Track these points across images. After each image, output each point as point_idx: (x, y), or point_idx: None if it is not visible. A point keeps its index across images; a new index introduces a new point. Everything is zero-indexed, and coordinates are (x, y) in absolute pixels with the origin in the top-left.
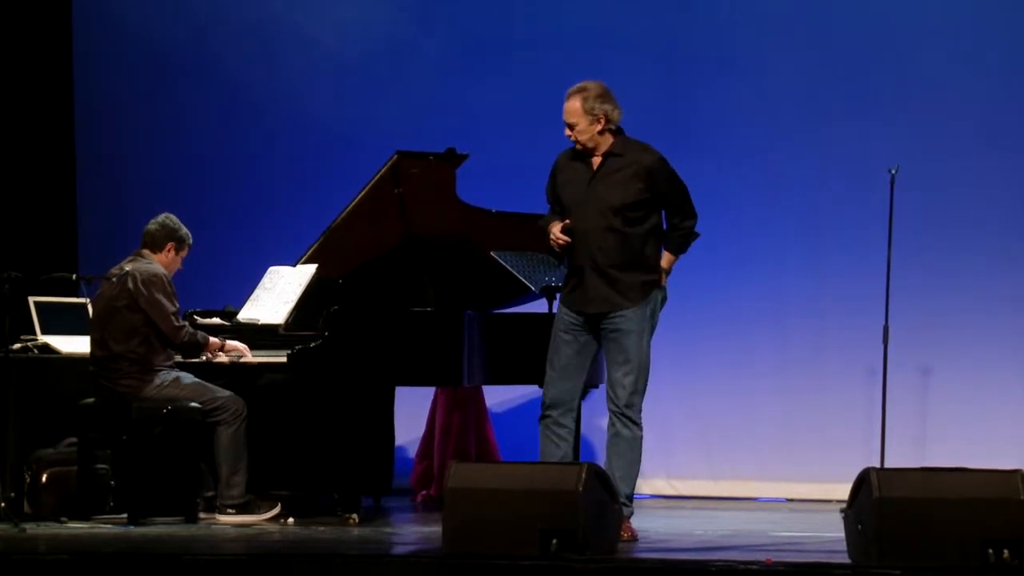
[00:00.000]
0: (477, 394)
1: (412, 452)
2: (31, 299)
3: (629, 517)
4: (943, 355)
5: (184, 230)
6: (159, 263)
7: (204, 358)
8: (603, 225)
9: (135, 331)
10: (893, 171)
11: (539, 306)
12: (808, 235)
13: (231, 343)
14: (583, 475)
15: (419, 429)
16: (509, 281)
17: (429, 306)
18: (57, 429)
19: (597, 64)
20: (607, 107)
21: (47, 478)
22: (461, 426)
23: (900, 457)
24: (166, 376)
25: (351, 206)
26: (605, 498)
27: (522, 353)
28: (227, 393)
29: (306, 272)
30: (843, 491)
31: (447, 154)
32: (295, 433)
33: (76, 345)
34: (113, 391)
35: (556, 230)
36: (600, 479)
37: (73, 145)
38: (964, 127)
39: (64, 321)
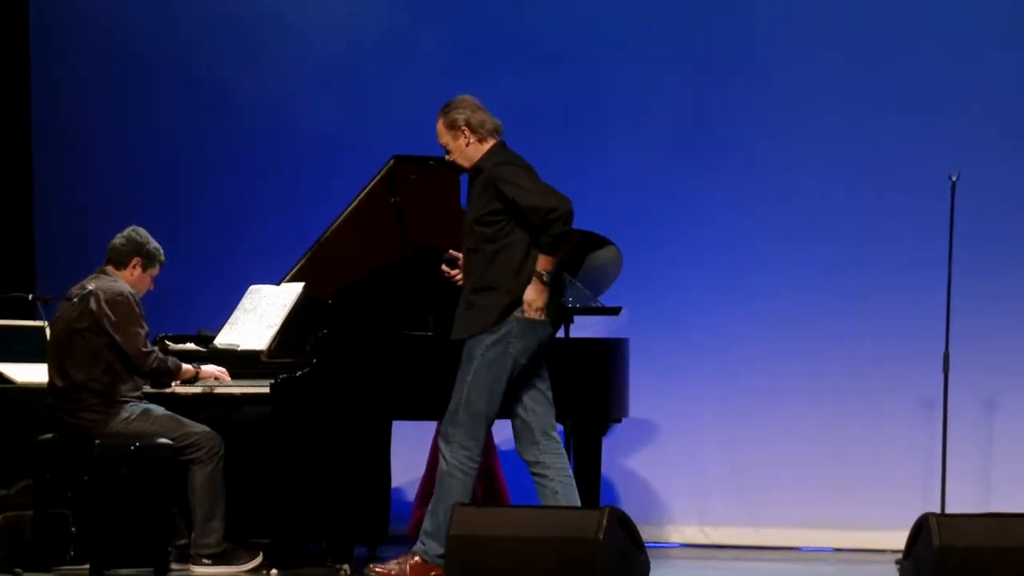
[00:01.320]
0: None
1: (411, 495)
2: None
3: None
4: (1011, 386)
5: (153, 244)
6: (125, 281)
7: (174, 387)
8: (467, 246)
9: (98, 357)
10: (953, 177)
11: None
12: (857, 252)
13: (207, 368)
14: (604, 521)
15: (419, 469)
16: None
17: (429, 330)
18: (10, 468)
19: (614, 61)
20: (465, 114)
21: None
22: None
23: (962, 501)
24: (134, 408)
25: (342, 217)
26: (629, 547)
27: None
28: (202, 428)
29: (291, 292)
30: (898, 540)
31: (452, 161)
32: (279, 473)
33: (32, 374)
34: (74, 426)
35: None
36: (623, 525)
37: (29, 149)
38: None
39: (19, 347)
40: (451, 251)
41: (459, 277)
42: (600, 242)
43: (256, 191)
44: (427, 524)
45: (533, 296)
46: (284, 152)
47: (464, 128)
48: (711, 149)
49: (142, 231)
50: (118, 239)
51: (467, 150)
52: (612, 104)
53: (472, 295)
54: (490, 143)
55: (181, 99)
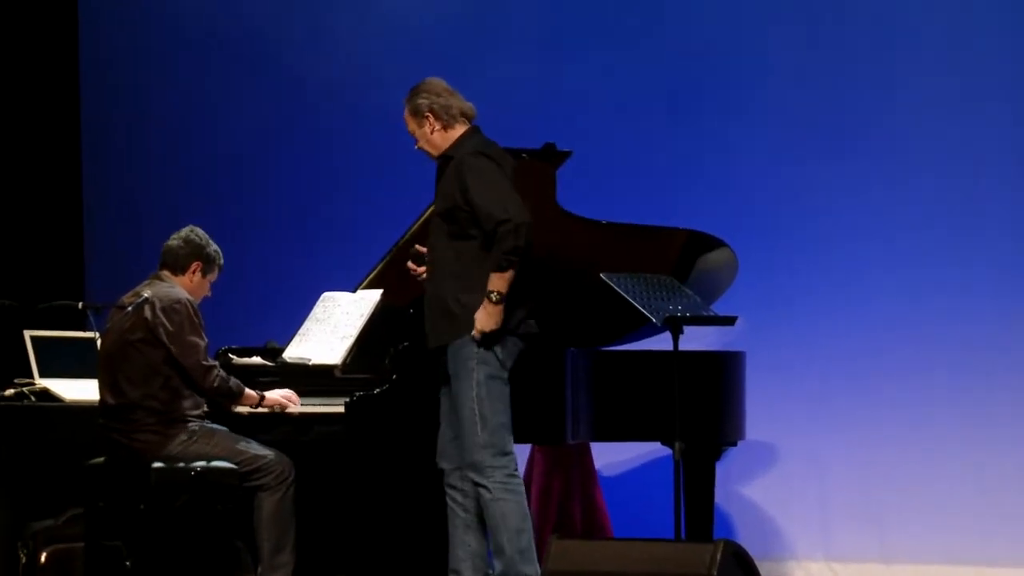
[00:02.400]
0: (583, 453)
1: None
2: (27, 333)
3: None
4: None
5: (213, 247)
6: (182, 287)
7: (235, 411)
8: (434, 241)
9: (155, 372)
10: None
11: (661, 341)
12: (1007, 257)
13: (272, 395)
14: (718, 556)
15: None
16: (623, 310)
17: None
18: (58, 496)
19: (739, 40)
20: (429, 99)
21: (47, 557)
22: (563, 493)
23: None
24: (194, 429)
25: (423, 217)
26: None
27: (639, 401)
28: (270, 451)
29: (368, 300)
30: None
31: (545, 150)
32: (355, 502)
33: (82, 390)
34: (128, 448)
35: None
36: (739, 561)
37: (79, 147)
38: None
39: (67, 361)
40: (418, 246)
41: (424, 274)
42: (712, 243)
43: (328, 189)
44: (497, 566)
45: (484, 320)
46: (358, 146)
47: (428, 115)
48: (835, 135)
49: (200, 231)
50: (174, 240)
51: (432, 137)
52: (723, 88)
53: (460, 294)
54: (459, 129)
55: (243, 89)
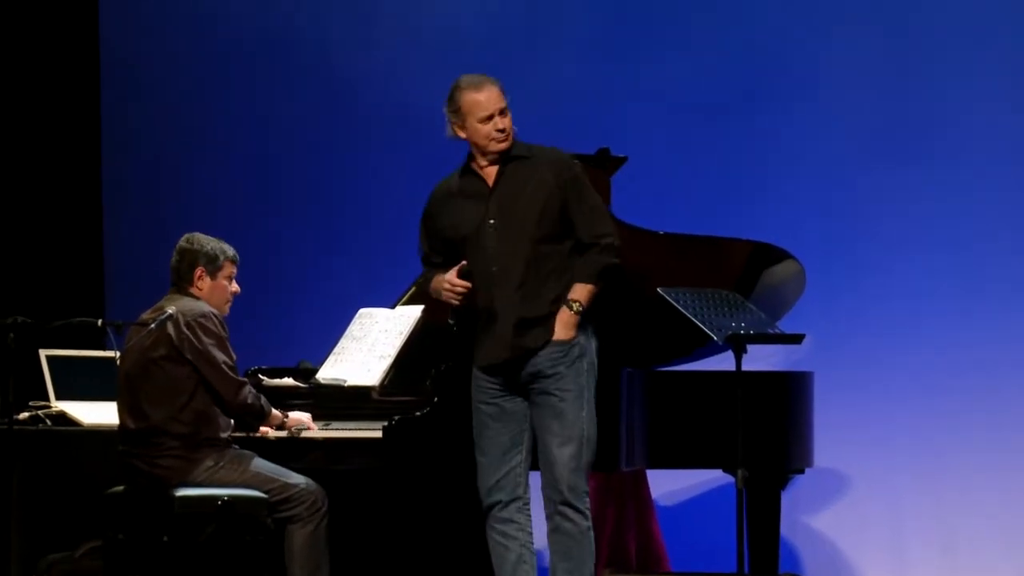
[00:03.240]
0: (639, 481)
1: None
2: (43, 352)
3: None
4: None
5: (212, 245)
6: (201, 299)
7: (262, 433)
8: (510, 249)
9: (179, 391)
10: None
11: (723, 361)
12: None
13: (296, 415)
14: None
15: None
16: (682, 328)
17: None
18: (76, 527)
19: (800, 38)
20: None
21: None
22: (617, 524)
23: None
24: (222, 454)
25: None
26: None
27: (700, 426)
28: (302, 479)
29: (408, 317)
30: None
31: (600, 156)
32: (393, 533)
33: (102, 414)
34: (150, 475)
35: (451, 276)
36: None
37: (99, 154)
38: None
39: (85, 382)
40: (462, 263)
41: (461, 292)
42: (778, 255)
43: (364, 198)
44: None
45: (566, 330)
46: (397, 150)
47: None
48: (907, 140)
49: (195, 236)
50: (173, 258)
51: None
52: (787, 91)
53: (555, 300)
54: None
55: (275, 91)
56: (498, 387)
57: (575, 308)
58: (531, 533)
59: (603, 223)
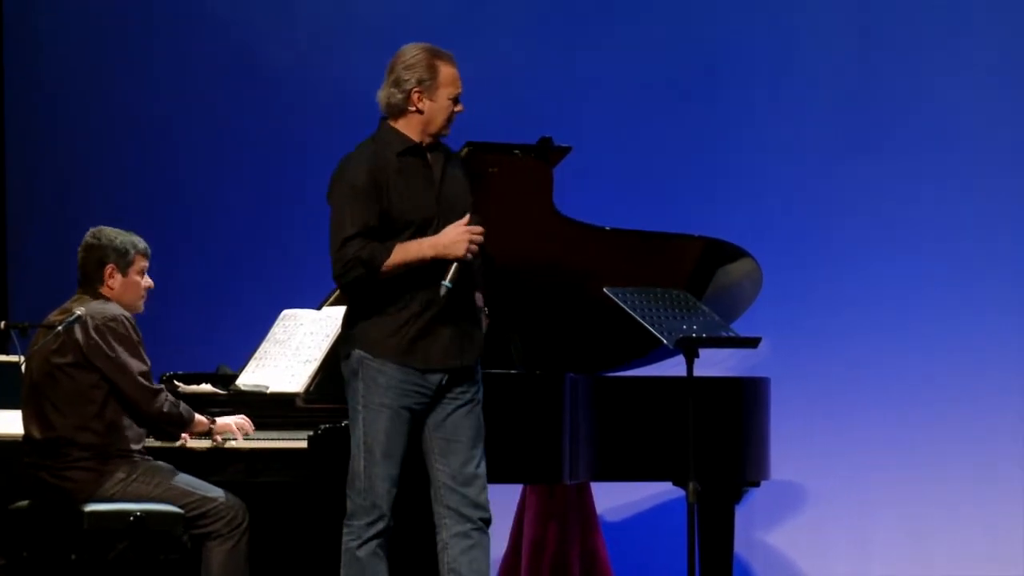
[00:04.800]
0: (582, 495)
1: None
2: None
3: None
4: None
5: (121, 239)
6: (113, 300)
7: (182, 442)
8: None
9: (88, 400)
10: None
11: (673, 366)
12: None
13: (224, 420)
14: None
15: (500, 545)
16: (630, 331)
17: (514, 367)
18: None
19: (759, 28)
20: None
21: None
22: (559, 540)
23: None
24: (134, 465)
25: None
26: None
27: (648, 435)
28: (222, 493)
29: (335, 318)
30: None
31: (540, 146)
32: (320, 549)
33: (5, 422)
34: (57, 488)
35: (474, 228)
36: None
37: (3, 148)
38: None
39: None
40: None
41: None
42: (732, 253)
43: (290, 193)
44: None
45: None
46: (324, 144)
47: None
48: (871, 137)
49: (102, 230)
50: (79, 255)
51: None
52: (743, 82)
53: (476, 308)
54: None
55: (193, 82)
56: (421, 391)
57: (487, 314)
58: None
59: None
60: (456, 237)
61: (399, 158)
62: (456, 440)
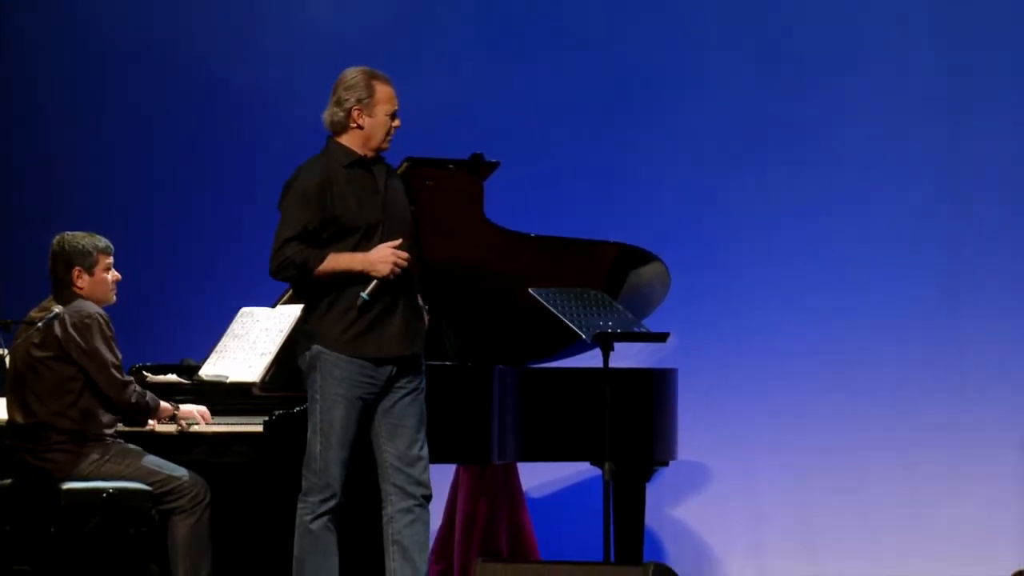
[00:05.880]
0: (510, 474)
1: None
2: None
3: None
4: None
5: (82, 242)
6: (85, 298)
7: (150, 427)
8: (408, 246)
9: (66, 390)
10: None
11: (591, 358)
12: (942, 269)
13: (186, 408)
14: None
15: (436, 519)
16: (552, 326)
17: (447, 359)
18: None
19: (672, 45)
20: None
21: None
22: (489, 515)
23: None
24: (107, 447)
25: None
26: None
27: (569, 420)
28: (186, 472)
29: (288, 316)
30: None
31: (472, 161)
32: (275, 524)
33: None
34: (37, 468)
35: (399, 251)
36: None
37: None
38: None
39: None
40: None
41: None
42: (644, 257)
43: (247, 200)
44: None
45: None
46: (279, 155)
47: None
48: (775, 146)
49: (64, 236)
50: (49, 262)
51: None
52: (657, 98)
53: (419, 304)
54: None
55: (162, 96)
56: (372, 381)
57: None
58: None
59: None
60: (383, 258)
61: (347, 169)
62: (403, 425)
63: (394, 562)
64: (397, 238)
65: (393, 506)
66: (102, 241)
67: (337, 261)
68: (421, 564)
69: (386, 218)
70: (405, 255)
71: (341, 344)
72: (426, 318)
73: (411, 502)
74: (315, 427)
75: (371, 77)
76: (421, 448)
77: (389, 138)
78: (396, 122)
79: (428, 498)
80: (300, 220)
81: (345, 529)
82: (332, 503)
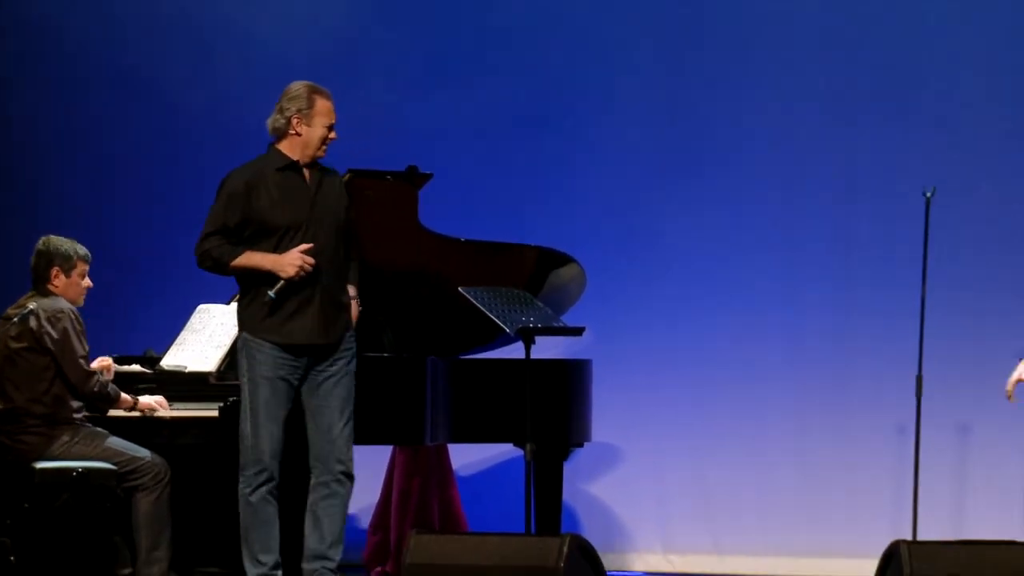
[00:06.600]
0: (441, 454)
1: (365, 522)
2: None
3: None
4: (984, 409)
5: (66, 247)
6: (59, 295)
7: (112, 415)
8: (333, 244)
9: (40, 378)
10: (928, 194)
11: (514, 351)
12: (829, 270)
13: (144, 400)
14: (564, 549)
15: (373, 496)
16: (480, 322)
17: (385, 351)
18: None
19: (589, 68)
20: None
21: None
22: (422, 491)
23: (935, 528)
24: (77, 431)
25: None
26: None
27: (494, 406)
28: (148, 453)
29: None
30: (869, 568)
31: (408, 173)
32: (227, 501)
33: None
34: (13, 449)
35: (304, 255)
36: (585, 553)
37: None
38: (1008, 150)
39: None
40: (309, 245)
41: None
42: (561, 259)
43: (206, 207)
44: (337, 554)
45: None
46: (234, 164)
47: None
48: (679, 158)
49: (50, 239)
50: (32, 259)
51: None
52: (570, 116)
53: (344, 294)
54: None
55: (128, 109)
56: (293, 364)
57: (359, 304)
58: None
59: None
60: (291, 261)
61: (278, 172)
62: (325, 406)
63: (307, 529)
64: (322, 240)
65: (315, 479)
66: (83, 250)
67: (250, 258)
68: (328, 535)
69: (312, 220)
70: (311, 260)
71: (261, 331)
72: (355, 310)
73: (328, 476)
74: (244, 407)
75: (313, 91)
76: (344, 428)
77: (324, 147)
78: (332, 134)
79: (347, 475)
80: (222, 217)
81: (295, 501)
82: (264, 475)
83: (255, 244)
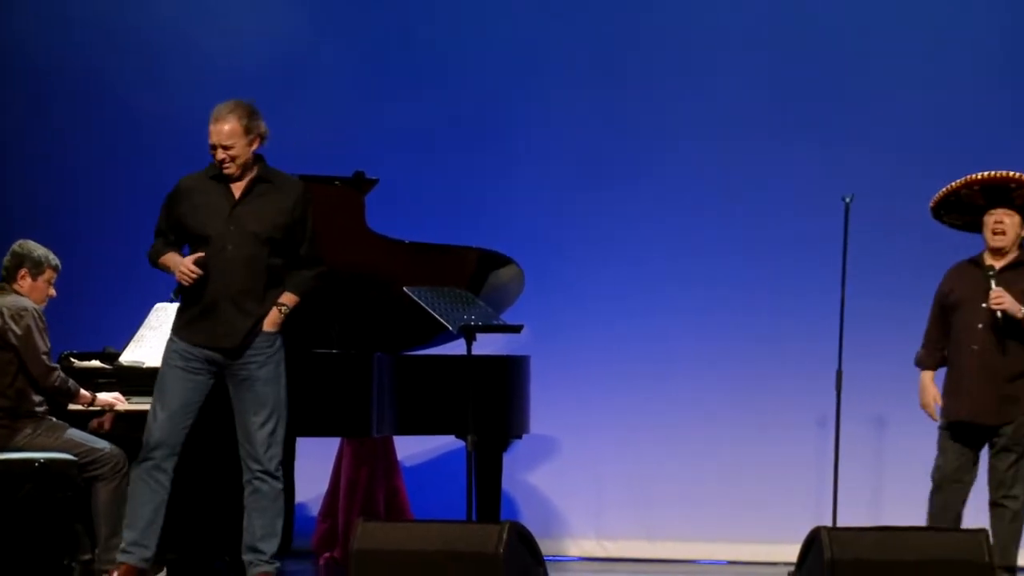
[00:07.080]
0: (387, 445)
1: (314, 510)
2: None
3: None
4: (900, 403)
5: (39, 252)
6: (23, 294)
7: (72, 409)
8: (247, 254)
9: (3, 372)
10: (847, 199)
11: (456, 347)
12: (752, 271)
13: (103, 396)
14: (504, 535)
15: (322, 485)
16: (423, 320)
17: (333, 347)
18: None
19: (526, 78)
20: (262, 124)
21: None
22: (369, 481)
23: (853, 515)
24: (39, 423)
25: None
26: (529, 561)
27: (437, 400)
28: (107, 444)
29: None
30: (791, 552)
31: (354, 179)
32: (183, 490)
33: None
34: None
35: (189, 263)
36: (523, 540)
37: None
38: (924, 157)
39: None
40: (201, 254)
41: (195, 277)
42: (501, 261)
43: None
44: (271, 548)
45: (275, 325)
46: (186, 171)
47: (258, 138)
48: (613, 164)
49: (26, 243)
50: (5, 258)
51: (249, 158)
52: (510, 127)
53: (258, 303)
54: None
55: (83, 117)
56: (198, 360)
57: (283, 311)
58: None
59: (318, 250)
60: (179, 267)
61: (211, 181)
62: (241, 407)
63: (244, 523)
64: (232, 251)
65: (244, 475)
66: (55, 260)
67: (166, 260)
68: (259, 529)
69: (233, 231)
70: (196, 270)
71: (176, 328)
72: (273, 317)
73: (249, 475)
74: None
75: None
76: (260, 428)
77: (218, 163)
78: (218, 154)
79: (267, 473)
80: (162, 220)
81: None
82: (146, 456)
83: (193, 248)
